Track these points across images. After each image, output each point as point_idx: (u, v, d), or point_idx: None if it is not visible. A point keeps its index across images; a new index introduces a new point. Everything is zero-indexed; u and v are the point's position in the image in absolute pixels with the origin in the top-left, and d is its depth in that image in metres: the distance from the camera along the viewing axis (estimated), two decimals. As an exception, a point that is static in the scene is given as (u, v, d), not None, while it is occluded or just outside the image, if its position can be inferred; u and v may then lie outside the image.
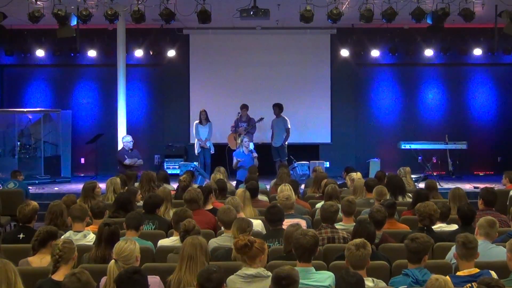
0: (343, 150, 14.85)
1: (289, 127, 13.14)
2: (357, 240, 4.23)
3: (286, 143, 13.18)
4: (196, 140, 13.18)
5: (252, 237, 4.33)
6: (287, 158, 13.07)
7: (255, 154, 11.69)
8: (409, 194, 7.73)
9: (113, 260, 4.07)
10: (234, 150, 12.91)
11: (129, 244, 4.23)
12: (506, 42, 13.95)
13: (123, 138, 12.00)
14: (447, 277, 3.73)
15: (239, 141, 12.98)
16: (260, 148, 12.62)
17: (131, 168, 11.28)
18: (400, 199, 7.63)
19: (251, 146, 12.02)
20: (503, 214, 6.52)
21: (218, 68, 14.98)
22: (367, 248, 4.16)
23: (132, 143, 11.77)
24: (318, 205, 7.04)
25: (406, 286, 4.17)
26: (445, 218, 6.06)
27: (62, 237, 5.12)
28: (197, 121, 13.25)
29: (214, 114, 13.63)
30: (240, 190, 6.99)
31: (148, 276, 3.83)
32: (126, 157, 11.54)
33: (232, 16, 11.51)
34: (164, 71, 15.26)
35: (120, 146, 12.70)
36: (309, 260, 4.26)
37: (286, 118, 13.19)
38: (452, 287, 3.60)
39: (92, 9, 10.75)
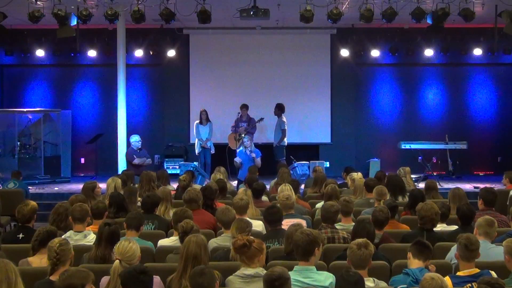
0: (343, 150, 14.85)
1: (285, 128, 12.91)
2: (360, 240, 4.24)
3: (282, 143, 12.97)
4: (196, 140, 13.17)
5: (251, 237, 4.33)
6: (284, 158, 13.00)
7: (253, 154, 11.60)
8: (409, 194, 7.73)
9: (117, 261, 4.06)
10: (235, 150, 12.91)
11: (132, 244, 4.24)
12: (506, 42, 13.94)
13: (131, 138, 11.93)
14: (447, 277, 3.74)
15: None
16: (261, 148, 12.60)
17: (140, 167, 11.24)
18: (400, 199, 7.63)
19: (253, 146, 11.99)
20: (503, 214, 6.52)
21: (218, 68, 14.97)
22: (368, 248, 4.16)
23: (140, 142, 11.73)
24: (318, 205, 7.05)
25: (406, 286, 4.17)
26: (444, 218, 6.05)
27: (63, 236, 5.11)
28: (198, 121, 13.24)
29: (214, 114, 13.62)
30: (241, 189, 6.99)
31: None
32: (135, 156, 11.51)
33: (232, 16, 11.51)
34: (164, 71, 15.25)
35: (120, 146, 12.71)
36: (307, 259, 4.25)
37: (283, 119, 13.03)
38: (449, 286, 3.60)
39: (92, 9, 10.76)
